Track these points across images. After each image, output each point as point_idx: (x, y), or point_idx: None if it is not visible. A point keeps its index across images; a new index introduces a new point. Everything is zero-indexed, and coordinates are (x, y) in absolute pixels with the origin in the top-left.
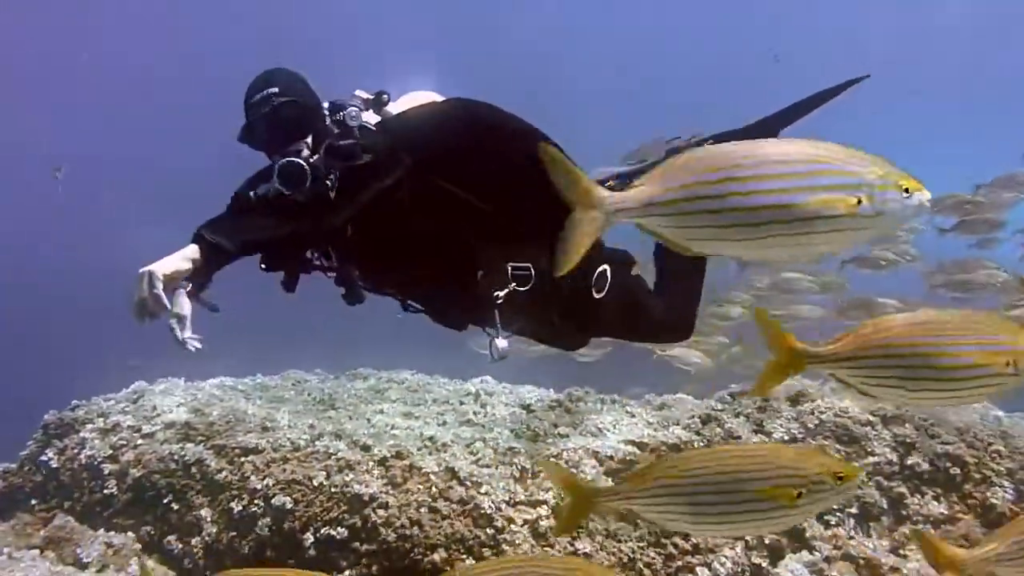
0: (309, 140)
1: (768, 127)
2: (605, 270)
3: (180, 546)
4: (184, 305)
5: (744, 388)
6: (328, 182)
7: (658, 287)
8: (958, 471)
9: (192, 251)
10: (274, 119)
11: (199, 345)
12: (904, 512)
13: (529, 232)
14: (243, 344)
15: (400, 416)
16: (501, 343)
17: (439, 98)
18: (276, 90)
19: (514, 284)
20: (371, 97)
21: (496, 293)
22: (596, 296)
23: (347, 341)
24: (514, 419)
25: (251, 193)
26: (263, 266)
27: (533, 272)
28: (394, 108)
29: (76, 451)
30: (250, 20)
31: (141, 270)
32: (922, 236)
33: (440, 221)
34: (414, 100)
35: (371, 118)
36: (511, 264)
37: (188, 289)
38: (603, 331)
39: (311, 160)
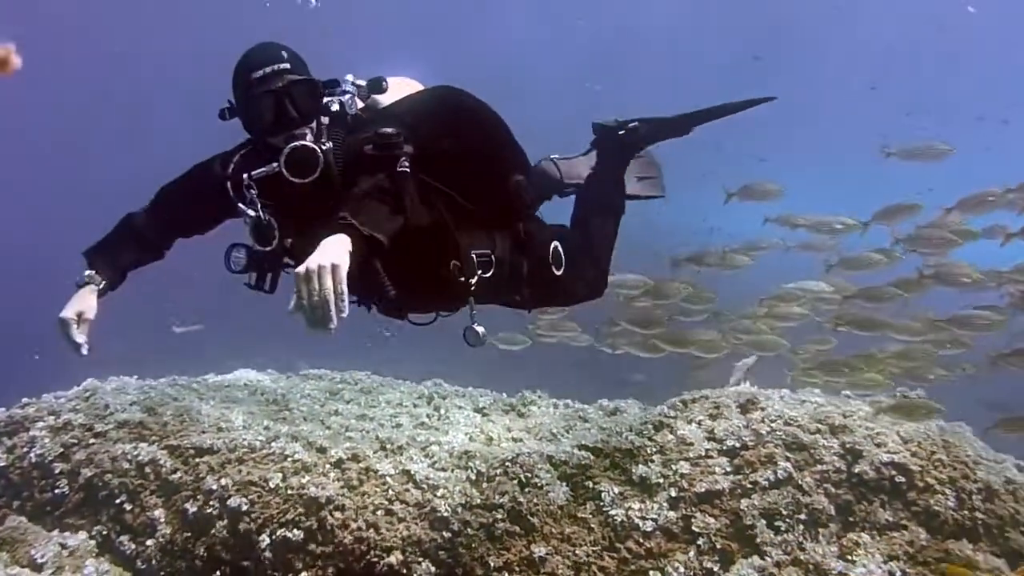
0: (314, 125)
1: (685, 123)
2: (556, 247)
3: (134, 547)
4: (92, 306)
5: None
6: (402, 170)
7: (577, 236)
8: (903, 479)
9: (346, 242)
10: (286, 98)
11: (85, 352)
12: (851, 519)
13: (486, 219)
14: (194, 344)
15: (355, 418)
16: (479, 328)
17: (419, 85)
18: (287, 66)
19: (480, 271)
20: (363, 84)
21: (469, 281)
22: (556, 273)
23: (296, 341)
24: (468, 422)
25: (245, 175)
26: (236, 266)
27: (492, 258)
28: (382, 97)
29: (26, 449)
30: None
31: (320, 263)
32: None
33: (430, 211)
34: (397, 87)
35: (357, 104)
36: (475, 252)
37: (100, 287)
38: (561, 301)
39: (323, 146)
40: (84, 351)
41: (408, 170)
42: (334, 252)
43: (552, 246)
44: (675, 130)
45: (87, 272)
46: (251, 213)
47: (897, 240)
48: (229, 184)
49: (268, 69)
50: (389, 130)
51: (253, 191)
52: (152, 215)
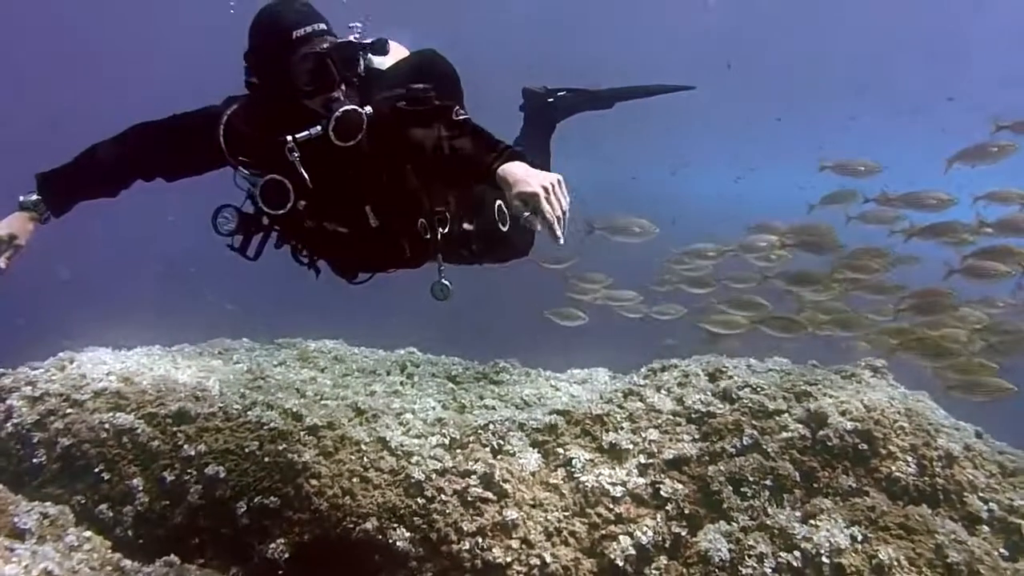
0: (343, 87)
1: (610, 97)
2: (500, 204)
3: (112, 515)
4: (26, 233)
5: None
6: (464, 117)
7: None
8: (866, 446)
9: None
10: (328, 60)
11: (2, 266)
12: (815, 485)
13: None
14: (167, 314)
15: (329, 386)
16: (447, 283)
17: (405, 50)
18: (325, 27)
19: (440, 228)
20: (367, 45)
21: (436, 237)
22: (503, 229)
23: (268, 310)
24: (441, 390)
25: (289, 137)
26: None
27: (448, 215)
28: (378, 59)
29: (2, 419)
30: None
31: (550, 180)
32: None
33: (414, 170)
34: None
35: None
36: (435, 208)
37: (43, 217)
38: (500, 257)
39: (366, 110)
40: (2, 274)
41: (468, 116)
42: (540, 171)
43: (496, 204)
44: (600, 103)
45: (34, 197)
46: (254, 176)
47: (982, 223)
48: (223, 144)
49: (309, 29)
50: (421, 86)
51: (296, 154)
52: (122, 151)
